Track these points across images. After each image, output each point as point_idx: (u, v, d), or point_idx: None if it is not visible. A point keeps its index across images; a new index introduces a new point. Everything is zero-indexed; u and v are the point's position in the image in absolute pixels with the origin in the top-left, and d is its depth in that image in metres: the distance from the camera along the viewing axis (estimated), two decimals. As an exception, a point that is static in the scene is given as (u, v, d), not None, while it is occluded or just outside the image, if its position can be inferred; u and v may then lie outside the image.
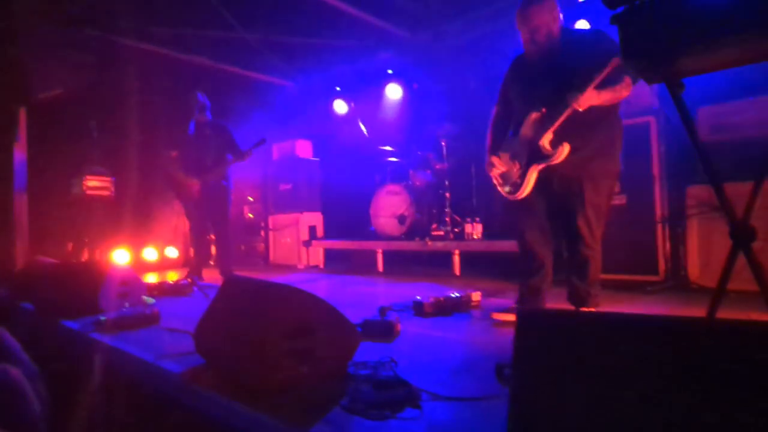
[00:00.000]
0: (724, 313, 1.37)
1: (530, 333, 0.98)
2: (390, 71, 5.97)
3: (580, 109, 2.15)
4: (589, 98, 2.14)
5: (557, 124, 2.23)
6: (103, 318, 2.57)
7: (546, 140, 2.27)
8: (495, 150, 2.57)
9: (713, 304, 1.19)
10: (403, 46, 5.70)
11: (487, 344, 2.14)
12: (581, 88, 2.12)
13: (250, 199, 6.60)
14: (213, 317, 1.91)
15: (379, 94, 6.09)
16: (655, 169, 3.29)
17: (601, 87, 2.14)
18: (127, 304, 2.98)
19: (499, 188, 2.56)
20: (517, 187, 2.41)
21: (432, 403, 1.43)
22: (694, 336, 0.77)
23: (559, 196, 2.37)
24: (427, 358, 1.93)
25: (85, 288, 2.99)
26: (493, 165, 2.53)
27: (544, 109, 2.30)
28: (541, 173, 2.35)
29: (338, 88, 6.51)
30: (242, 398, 1.51)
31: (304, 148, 6.35)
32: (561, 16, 2.33)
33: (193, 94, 4.33)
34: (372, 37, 5.55)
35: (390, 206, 5.28)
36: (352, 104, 6.38)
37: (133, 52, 5.38)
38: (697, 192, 3.12)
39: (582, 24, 4.43)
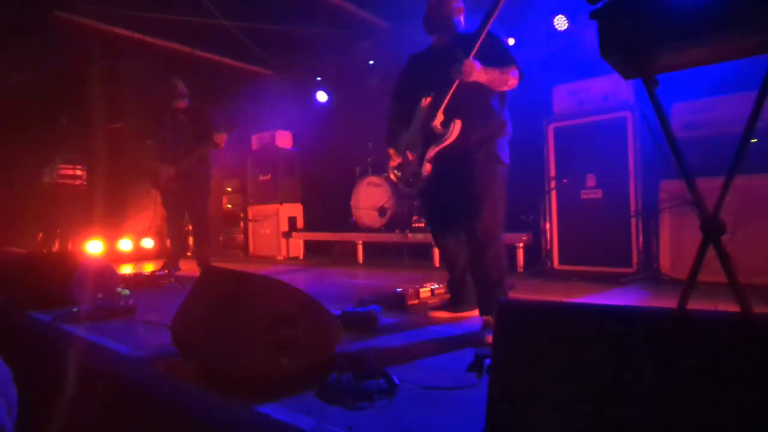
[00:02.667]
0: (692, 305, 1.41)
1: (510, 324, 1.00)
2: (371, 62, 5.93)
3: (466, 80, 2.15)
4: (472, 70, 2.13)
5: (446, 101, 2.23)
6: (76, 310, 2.51)
7: (438, 121, 2.26)
8: (391, 143, 2.57)
9: (684, 296, 1.23)
10: (384, 36, 5.66)
11: (467, 334, 2.17)
12: (462, 59, 2.14)
13: (229, 189, 6.51)
14: (190, 309, 1.88)
15: (361, 84, 6.05)
16: (631, 164, 3.37)
17: (488, 64, 2.16)
18: (101, 296, 2.91)
19: (398, 183, 2.54)
20: (417, 177, 2.39)
21: (411, 393, 1.44)
22: (667, 327, 0.79)
23: (456, 180, 2.31)
24: (407, 349, 1.94)
25: (57, 279, 2.91)
26: (390, 156, 2.54)
27: (432, 95, 2.32)
28: (437, 157, 2.31)
29: (319, 78, 6.44)
30: (220, 391, 1.49)
31: (284, 139, 6.28)
32: (462, 12, 2.45)
33: (170, 82, 4.23)
34: (354, 27, 5.49)
35: (371, 198, 5.28)
36: (334, 95, 6.32)
37: (106, 37, 5.21)
38: (671, 186, 3.20)
39: (560, 19, 4.48)
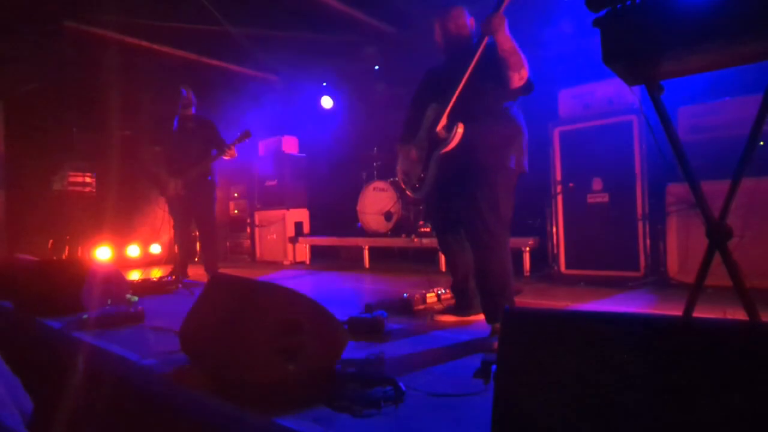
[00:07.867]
0: (701, 310, 1.41)
1: (515, 331, 1.00)
2: (377, 67, 5.96)
3: (494, 32, 2.05)
4: (501, 24, 2.05)
5: (450, 104, 2.22)
6: (85, 317, 2.54)
7: (441, 126, 2.26)
8: (403, 143, 2.58)
9: (690, 302, 1.22)
10: (389, 42, 5.69)
11: (474, 340, 2.16)
12: (494, 11, 2.06)
13: (236, 194, 6.55)
14: (198, 315, 1.90)
15: (367, 89, 6.08)
16: (637, 167, 3.35)
17: (495, 69, 2.14)
18: (110, 302, 2.94)
19: (405, 187, 2.56)
20: (422, 181, 2.40)
21: (418, 400, 1.44)
22: (672, 335, 0.79)
23: (460, 185, 2.29)
24: (413, 355, 1.95)
25: (66, 286, 2.94)
26: (399, 156, 2.56)
27: (438, 101, 2.31)
28: (442, 162, 2.30)
29: (325, 84, 6.48)
30: (229, 397, 1.50)
31: (290, 144, 6.31)
32: (472, 24, 2.45)
33: (178, 89, 4.27)
34: (359, 32, 5.52)
35: (377, 203, 5.29)
36: (340, 100, 6.36)
37: (116, 45, 5.27)
38: (677, 190, 3.18)
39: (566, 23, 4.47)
